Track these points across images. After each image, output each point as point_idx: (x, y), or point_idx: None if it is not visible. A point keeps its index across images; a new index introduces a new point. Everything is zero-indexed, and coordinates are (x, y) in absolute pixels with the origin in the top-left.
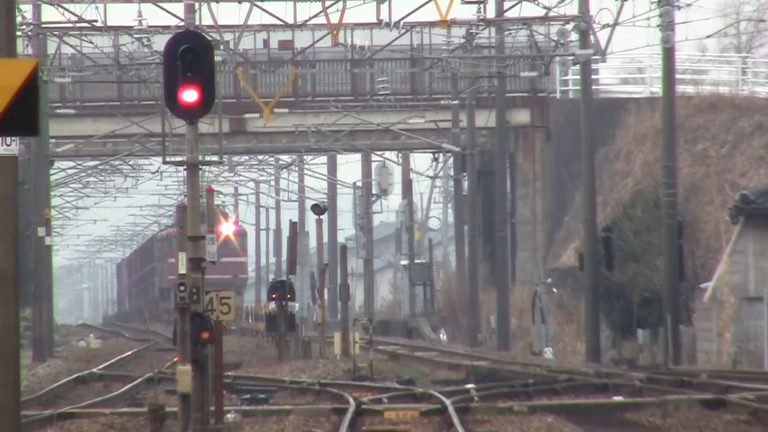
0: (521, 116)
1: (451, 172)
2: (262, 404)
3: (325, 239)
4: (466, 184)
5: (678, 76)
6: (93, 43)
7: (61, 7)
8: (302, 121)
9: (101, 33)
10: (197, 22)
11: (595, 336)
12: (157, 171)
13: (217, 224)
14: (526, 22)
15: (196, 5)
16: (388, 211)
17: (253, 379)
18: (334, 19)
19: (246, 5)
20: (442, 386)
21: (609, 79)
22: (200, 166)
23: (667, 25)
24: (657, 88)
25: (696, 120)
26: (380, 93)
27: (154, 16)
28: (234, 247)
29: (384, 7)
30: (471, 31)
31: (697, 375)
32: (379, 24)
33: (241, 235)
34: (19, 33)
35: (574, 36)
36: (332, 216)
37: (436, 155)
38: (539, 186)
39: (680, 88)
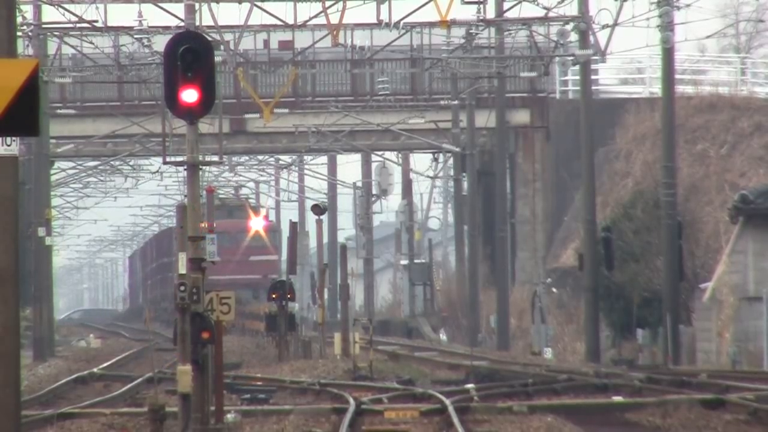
0: (521, 116)
1: (451, 172)
2: (262, 404)
3: (325, 239)
4: (466, 184)
5: (677, 76)
6: (93, 44)
7: (62, 7)
8: (302, 121)
9: (101, 33)
10: (197, 23)
11: (595, 336)
12: (157, 171)
13: (246, 219)
14: (526, 22)
15: (197, 5)
16: (388, 211)
17: (253, 379)
18: (334, 19)
19: (246, 5)
20: (442, 386)
21: (609, 79)
22: (200, 167)
23: (667, 26)
24: (657, 89)
25: (695, 120)
26: (380, 93)
27: (155, 17)
28: (264, 244)
29: (384, 7)
30: (471, 31)
31: (697, 375)
32: (379, 24)
33: (272, 230)
34: (19, 33)
35: (573, 36)
36: (332, 216)
37: (436, 155)
38: (539, 186)
39: (680, 89)
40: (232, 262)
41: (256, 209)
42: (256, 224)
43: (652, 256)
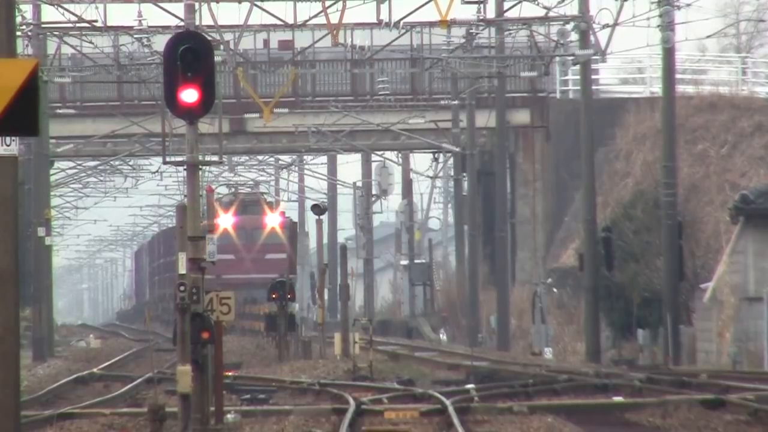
0: (521, 116)
1: (451, 172)
2: (262, 404)
3: (325, 239)
4: (466, 184)
5: (678, 76)
6: (93, 43)
7: (61, 7)
8: (302, 121)
9: (101, 33)
10: (197, 22)
11: (595, 336)
12: (157, 171)
13: (262, 215)
14: (526, 22)
15: (196, 5)
16: (388, 211)
17: (253, 379)
18: (334, 19)
19: (246, 5)
20: (442, 386)
21: (609, 79)
22: (200, 166)
23: (667, 25)
24: (657, 88)
25: (696, 120)
26: (380, 93)
27: (154, 17)
28: (281, 242)
29: (384, 7)
30: (471, 31)
31: (697, 375)
32: (379, 24)
33: (289, 227)
34: (19, 33)
35: (574, 36)
36: (332, 216)
37: (436, 155)
38: (539, 186)
39: (680, 88)
40: (247, 261)
41: (271, 204)
42: (272, 221)
43: (652, 256)
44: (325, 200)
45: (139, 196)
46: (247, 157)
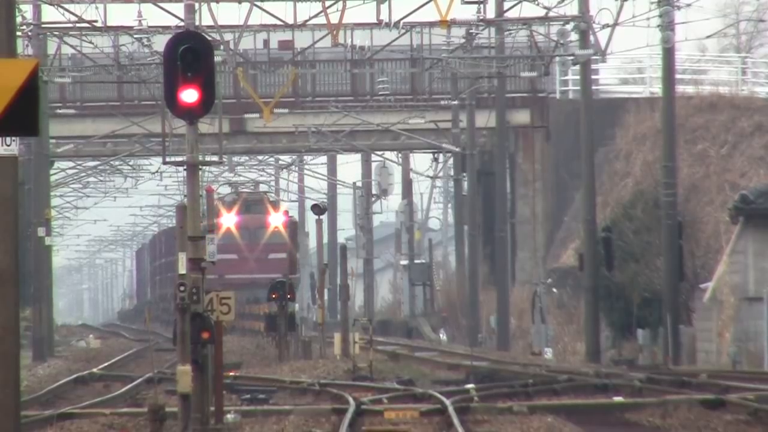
0: (521, 116)
1: (451, 173)
2: (262, 404)
3: (325, 239)
4: (466, 184)
5: (678, 76)
6: (93, 44)
7: (61, 7)
8: (302, 121)
9: (101, 33)
10: (197, 23)
11: (595, 336)
12: (157, 171)
13: (265, 215)
14: (526, 22)
15: (196, 5)
16: (388, 211)
17: (253, 379)
18: (334, 19)
19: (246, 5)
20: (442, 386)
21: (609, 79)
22: (200, 166)
23: (667, 25)
24: (657, 88)
25: (696, 120)
26: (380, 93)
27: (154, 17)
28: (284, 242)
29: (384, 7)
30: (471, 31)
31: (697, 375)
32: (379, 24)
33: (292, 227)
34: (19, 33)
35: (574, 36)
36: (332, 216)
37: (436, 155)
38: (539, 186)
39: (680, 88)
40: (250, 260)
41: (274, 203)
42: (276, 220)
43: (652, 256)
44: (325, 200)
45: (139, 196)
46: (247, 157)
